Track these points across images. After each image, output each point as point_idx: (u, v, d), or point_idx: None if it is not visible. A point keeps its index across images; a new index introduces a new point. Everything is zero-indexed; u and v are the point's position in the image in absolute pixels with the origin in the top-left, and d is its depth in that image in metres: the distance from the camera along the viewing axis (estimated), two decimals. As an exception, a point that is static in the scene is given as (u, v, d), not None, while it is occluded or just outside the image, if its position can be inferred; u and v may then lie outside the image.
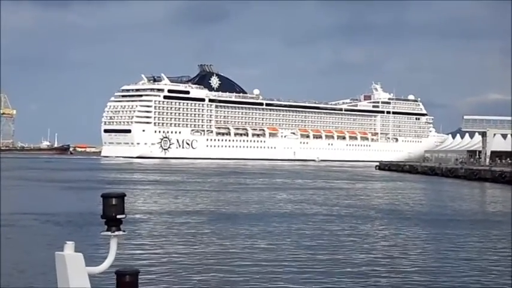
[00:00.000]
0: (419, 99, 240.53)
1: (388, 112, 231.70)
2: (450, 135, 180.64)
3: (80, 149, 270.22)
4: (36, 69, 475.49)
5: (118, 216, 5.32)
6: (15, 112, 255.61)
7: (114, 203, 5.32)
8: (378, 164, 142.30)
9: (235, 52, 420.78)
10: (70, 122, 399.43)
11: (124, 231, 5.41)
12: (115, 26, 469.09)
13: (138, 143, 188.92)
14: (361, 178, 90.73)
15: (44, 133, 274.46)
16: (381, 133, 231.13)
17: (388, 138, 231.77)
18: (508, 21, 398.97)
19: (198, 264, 20.58)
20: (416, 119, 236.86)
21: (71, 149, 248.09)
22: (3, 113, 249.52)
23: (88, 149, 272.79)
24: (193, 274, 19.00)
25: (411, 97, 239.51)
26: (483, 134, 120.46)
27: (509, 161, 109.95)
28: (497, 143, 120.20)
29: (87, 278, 5.22)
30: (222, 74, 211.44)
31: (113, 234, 5.35)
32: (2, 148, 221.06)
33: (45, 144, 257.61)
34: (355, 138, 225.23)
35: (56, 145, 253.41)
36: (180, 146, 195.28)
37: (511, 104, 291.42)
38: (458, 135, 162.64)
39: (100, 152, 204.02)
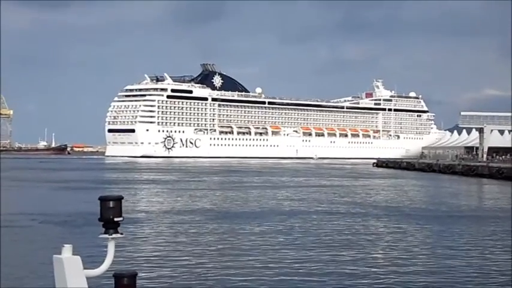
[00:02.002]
0: (420, 96, 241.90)
1: (390, 109, 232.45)
2: (447, 131, 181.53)
3: (77, 149, 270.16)
4: (34, 70, 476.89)
5: (115, 219, 5.35)
6: (12, 112, 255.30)
7: (111, 205, 5.35)
8: (375, 161, 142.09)
9: (233, 51, 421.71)
10: (67, 122, 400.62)
11: (122, 233, 5.43)
12: (111, 26, 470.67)
13: (142, 143, 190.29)
14: (358, 175, 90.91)
15: (41, 133, 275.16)
16: (383, 130, 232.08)
17: (390, 135, 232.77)
18: (504, 18, 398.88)
19: (197, 265, 20.47)
20: (417, 116, 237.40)
21: (68, 149, 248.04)
22: (0, 114, 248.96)
23: (85, 149, 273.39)
24: (192, 275, 18.88)
25: (412, 94, 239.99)
26: (480, 130, 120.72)
27: (509, 157, 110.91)
28: (494, 139, 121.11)
29: (85, 280, 5.25)
30: (224, 73, 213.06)
31: (110, 236, 5.39)
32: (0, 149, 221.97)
33: (42, 144, 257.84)
34: (357, 135, 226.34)
35: (53, 145, 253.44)
36: (183, 145, 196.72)
37: (511, 100, 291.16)
38: (455, 131, 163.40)
39: (98, 151, 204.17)
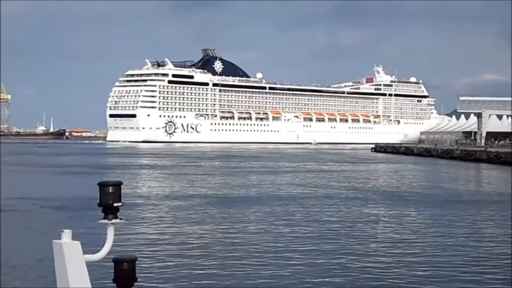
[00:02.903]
0: (421, 81, 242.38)
1: (390, 94, 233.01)
2: (446, 116, 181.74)
3: (75, 134, 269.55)
4: (31, 55, 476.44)
5: (115, 204, 5.34)
6: (10, 97, 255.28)
7: (110, 191, 5.34)
8: (373, 146, 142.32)
9: (231, 38, 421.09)
10: (65, 107, 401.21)
11: (121, 218, 5.41)
12: (110, 12, 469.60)
13: (143, 128, 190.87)
14: (356, 161, 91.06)
15: (39, 118, 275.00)
16: (383, 115, 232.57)
17: (390, 120, 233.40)
18: (503, 3, 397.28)
19: (196, 250, 20.54)
20: (418, 101, 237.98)
21: (66, 134, 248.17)
22: None
23: (84, 134, 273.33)
24: (191, 260, 18.96)
25: (413, 79, 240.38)
26: (479, 115, 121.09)
27: (507, 142, 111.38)
28: (492, 124, 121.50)
29: (85, 266, 5.24)
30: (225, 58, 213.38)
31: (110, 222, 5.37)
32: None
33: (40, 129, 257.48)
34: (358, 121, 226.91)
35: (51, 130, 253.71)
36: (184, 130, 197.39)
37: (510, 85, 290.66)
38: (453, 116, 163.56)
39: (96, 136, 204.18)
